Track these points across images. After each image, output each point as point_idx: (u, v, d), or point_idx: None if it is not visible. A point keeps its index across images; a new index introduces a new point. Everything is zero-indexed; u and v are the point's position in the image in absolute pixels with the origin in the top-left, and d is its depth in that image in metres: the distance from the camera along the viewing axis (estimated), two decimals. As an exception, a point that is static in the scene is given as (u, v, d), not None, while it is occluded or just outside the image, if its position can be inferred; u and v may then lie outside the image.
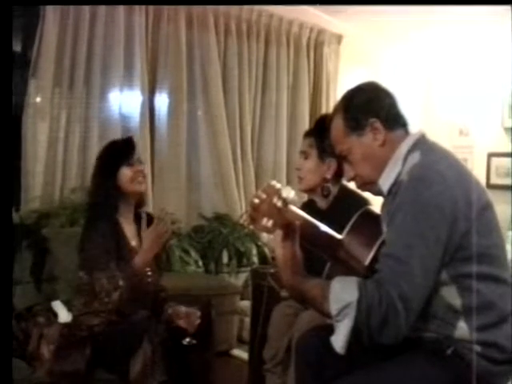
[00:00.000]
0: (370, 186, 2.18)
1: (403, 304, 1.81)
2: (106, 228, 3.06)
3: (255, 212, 1.87)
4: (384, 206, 2.17)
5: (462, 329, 1.94)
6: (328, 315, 1.91)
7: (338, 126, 2.18)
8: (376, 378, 1.99)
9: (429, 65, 6.30)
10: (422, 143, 2.09)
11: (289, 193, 1.87)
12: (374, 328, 1.81)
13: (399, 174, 2.04)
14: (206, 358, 3.15)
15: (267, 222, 1.85)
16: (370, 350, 1.98)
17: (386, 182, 2.09)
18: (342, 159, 2.24)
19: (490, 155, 6.14)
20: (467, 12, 5.05)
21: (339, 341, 1.86)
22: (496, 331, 1.94)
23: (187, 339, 3.02)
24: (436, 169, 1.95)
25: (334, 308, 1.86)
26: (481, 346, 1.93)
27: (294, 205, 1.92)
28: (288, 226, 1.95)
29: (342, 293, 1.86)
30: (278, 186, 1.88)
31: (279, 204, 1.84)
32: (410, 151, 2.06)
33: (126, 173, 3.15)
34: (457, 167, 2.03)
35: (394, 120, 2.15)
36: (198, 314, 3.11)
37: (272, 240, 1.96)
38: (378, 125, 2.11)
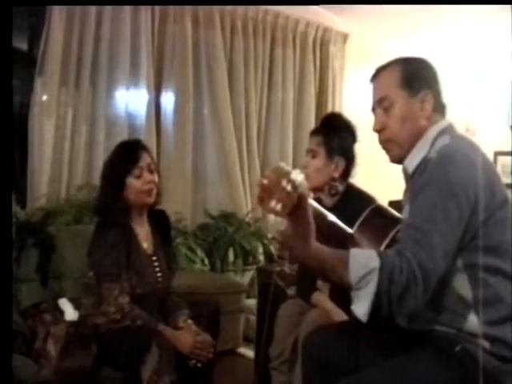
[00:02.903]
0: (393, 145, 2.17)
1: (422, 274, 1.80)
2: (116, 237, 3.03)
3: (264, 192, 1.82)
4: (407, 189, 2.18)
5: (473, 322, 1.94)
6: (346, 284, 1.86)
7: (394, 74, 2.17)
8: (383, 375, 1.98)
9: (435, 63, 6.29)
10: (450, 130, 2.12)
11: (297, 176, 1.84)
12: (394, 296, 1.79)
13: (427, 155, 2.05)
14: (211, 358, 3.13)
15: (276, 205, 1.81)
16: (377, 347, 1.98)
17: (412, 161, 2.10)
18: (378, 105, 2.20)
19: (496, 154, 6.13)
20: (476, 10, 5.04)
21: (362, 308, 1.82)
22: (505, 328, 1.94)
23: (193, 361, 3.01)
24: (465, 152, 1.98)
25: (354, 275, 1.83)
26: (490, 341, 1.93)
27: (303, 188, 1.89)
28: (300, 199, 1.85)
29: (363, 260, 1.84)
30: (287, 168, 1.86)
31: (289, 188, 1.81)
32: (439, 135, 2.08)
33: (134, 184, 3.10)
34: (483, 158, 2.04)
35: (441, 103, 2.18)
36: (213, 343, 3.09)
37: (277, 220, 1.91)
38: (430, 99, 2.13)
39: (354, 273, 1.83)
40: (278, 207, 1.79)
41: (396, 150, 2.17)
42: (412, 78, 2.14)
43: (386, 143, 2.20)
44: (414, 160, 2.11)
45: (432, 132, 2.11)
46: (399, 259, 1.81)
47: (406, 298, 1.80)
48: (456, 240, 1.89)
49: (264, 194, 1.81)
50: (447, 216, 1.88)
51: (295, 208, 1.81)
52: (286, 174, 1.81)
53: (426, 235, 1.85)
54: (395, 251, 1.85)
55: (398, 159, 2.19)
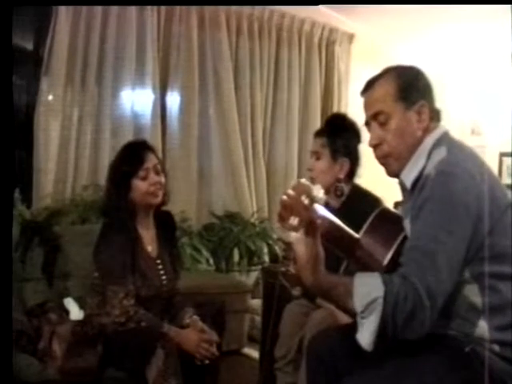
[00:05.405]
0: (391, 160, 2.14)
1: (429, 298, 1.79)
2: (121, 239, 3.03)
3: (284, 210, 1.82)
4: (407, 201, 2.16)
5: (482, 327, 1.94)
6: (351, 312, 1.87)
7: (388, 86, 2.13)
8: (388, 375, 1.96)
9: (440, 64, 6.28)
10: (446, 139, 2.09)
11: (318, 192, 1.84)
12: (400, 323, 1.79)
13: (424, 168, 2.03)
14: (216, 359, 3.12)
15: (294, 220, 1.81)
16: (382, 349, 1.97)
17: (409, 174, 2.08)
18: (373, 119, 2.16)
19: (501, 155, 6.13)
20: (480, 10, 5.03)
21: (366, 338, 1.83)
22: None
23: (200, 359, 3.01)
24: (463, 166, 1.95)
25: (359, 304, 1.83)
26: (499, 345, 1.93)
27: (322, 204, 1.89)
28: (311, 224, 1.90)
29: (368, 288, 1.83)
30: (308, 183, 1.85)
31: (306, 202, 1.80)
32: (434, 146, 2.06)
33: (139, 186, 3.08)
34: (481, 166, 2.02)
35: (435, 110, 2.15)
36: (217, 340, 3.08)
37: (294, 237, 1.91)
38: (426, 110, 2.11)
39: (359, 302, 1.83)
40: (296, 222, 1.79)
41: (394, 164, 2.14)
42: (407, 89, 2.11)
43: (383, 158, 2.17)
44: (410, 173, 2.08)
45: (427, 143, 2.08)
46: (404, 286, 1.80)
47: (412, 323, 1.79)
48: (461, 256, 1.88)
49: (284, 212, 1.81)
50: (450, 234, 1.86)
51: (312, 223, 1.81)
52: (307, 190, 1.81)
53: (431, 257, 1.84)
54: (400, 277, 1.83)
55: (396, 173, 2.16)
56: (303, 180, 1.86)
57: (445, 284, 1.85)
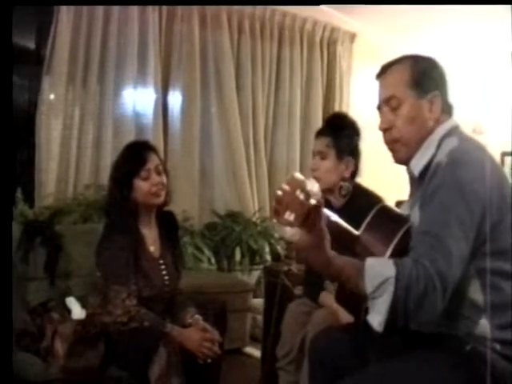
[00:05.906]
0: (399, 145, 2.14)
1: (440, 280, 1.78)
2: (124, 239, 3.03)
3: (279, 205, 1.79)
4: (415, 190, 2.16)
5: (484, 326, 1.93)
6: (362, 293, 1.84)
7: (403, 72, 2.13)
8: (389, 374, 1.95)
9: (442, 63, 6.27)
10: (457, 131, 2.09)
11: (313, 186, 1.82)
12: (411, 305, 1.77)
13: (433, 157, 2.03)
14: (218, 358, 3.12)
15: (289, 216, 1.80)
16: (383, 349, 1.97)
17: (418, 163, 2.08)
18: (385, 104, 2.16)
19: (503, 154, 6.11)
20: (481, 10, 5.03)
21: (377, 318, 1.80)
22: None
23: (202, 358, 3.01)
24: (475, 156, 1.96)
25: (370, 284, 1.81)
26: (501, 344, 1.92)
27: (317, 198, 1.88)
28: (309, 216, 1.83)
29: (379, 268, 1.82)
30: (302, 178, 1.85)
31: (302, 197, 1.79)
32: (445, 136, 2.06)
33: (141, 186, 3.09)
34: (491, 159, 2.03)
35: (448, 104, 2.15)
36: (219, 339, 3.08)
37: (290, 233, 1.89)
38: (439, 100, 2.11)
39: (370, 282, 1.81)
40: (291, 218, 1.78)
41: (402, 150, 2.14)
42: (421, 78, 2.11)
43: (392, 143, 2.16)
44: (420, 161, 2.08)
45: (438, 133, 2.08)
46: (415, 268, 1.78)
47: (424, 306, 1.78)
48: (470, 245, 1.87)
49: (279, 207, 1.80)
50: (461, 221, 1.86)
51: (308, 218, 1.80)
52: (301, 184, 1.80)
53: (442, 241, 1.83)
54: (411, 259, 1.82)
55: (403, 160, 2.16)
56: (297, 174, 1.84)
57: (454, 269, 1.83)
